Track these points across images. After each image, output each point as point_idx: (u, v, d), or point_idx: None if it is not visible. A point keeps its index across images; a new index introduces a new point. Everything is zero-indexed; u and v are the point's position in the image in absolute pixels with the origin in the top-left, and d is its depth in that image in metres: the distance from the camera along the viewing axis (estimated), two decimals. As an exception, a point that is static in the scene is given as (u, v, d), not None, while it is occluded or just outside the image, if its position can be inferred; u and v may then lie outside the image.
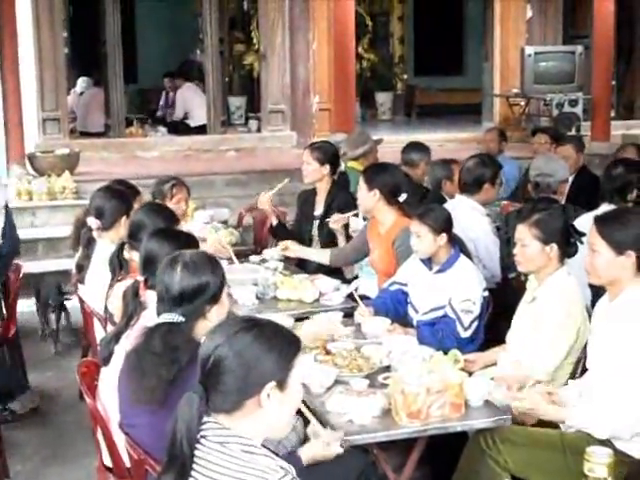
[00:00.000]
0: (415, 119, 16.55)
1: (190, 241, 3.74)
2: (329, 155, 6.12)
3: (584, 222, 4.64)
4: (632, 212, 3.83)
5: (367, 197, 5.20)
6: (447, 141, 12.00)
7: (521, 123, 12.54)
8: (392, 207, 5.19)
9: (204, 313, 3.17)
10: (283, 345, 2.45)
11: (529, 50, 12.15)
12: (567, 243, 4.09)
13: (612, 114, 13.65)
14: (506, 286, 5.51)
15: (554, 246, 4.06)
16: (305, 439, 3.57)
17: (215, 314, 3.16)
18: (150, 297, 3.43)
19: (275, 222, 6.29)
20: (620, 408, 3.46)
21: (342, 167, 6.64)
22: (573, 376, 4.04)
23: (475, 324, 4.58)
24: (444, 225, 4.62)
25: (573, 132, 11.20)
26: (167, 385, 2.95)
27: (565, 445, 3.51)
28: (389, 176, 5.26)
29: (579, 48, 12.28)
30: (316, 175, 6.08)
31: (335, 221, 5.80)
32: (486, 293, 4.73)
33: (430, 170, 6.80)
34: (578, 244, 4.10)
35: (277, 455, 2.57)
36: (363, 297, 4.94)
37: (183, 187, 6.04)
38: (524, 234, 4.11)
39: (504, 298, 5.09)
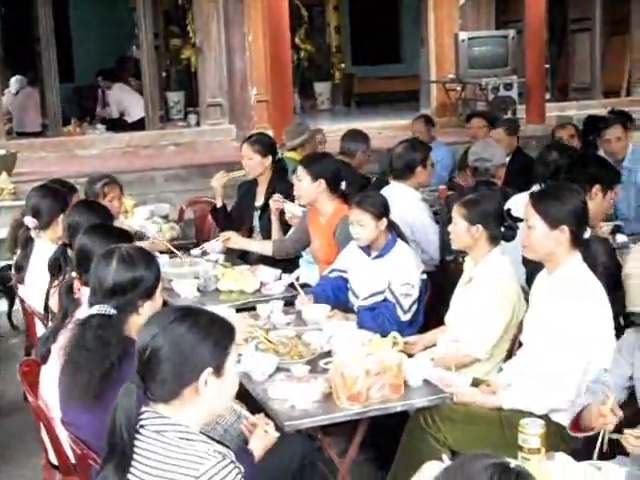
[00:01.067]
0: (354, 108, 16.62)
1: (124, 237, 3.74)
2: (268, 146, 6.16)
3: (516, 202, 4.76)
4: (566, 188, 3.91)
5: (311, 187, 5.21)
6: (385, 128, 12.07)
7: (458, 108, 12.66)
8: (334, 196, 5.24)
9: (137, 308, 3.17)
10: (218, 332, 2.51)
11: (463, 36, 12.26)
12: (497, 226, 4.17)
13: (547, 96, 13.87)
14: (444, 269, 5.59)
15: (479, 227, 4.14)
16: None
17: (148, 310, 3.15)
18: (85, 294, 3.43)
19: (220, 204, 6.30)
20: (558, 382, 3.56)
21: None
22: (510, 353, 4.14)
23: (414, 307, 4.66)
24: (383, 210, 4.68)
25: (509, 115, 11.32)
26: (100, 381, 2.96)
27: (503, 420, 3.60)
28: (331, 164, 5.32)
29: (511, 32, 12.43)
30: (260, 168, 6.11)
31: (275, 200, 5.83)
32: (424, 276, 4.81)
33: (384, 157, 6.87)
34: (515, 229, 4.18)
35: (225, 445, 2.62)
36: (304, 285, 5.00)
37: (115, 185, 6.01)
38: (455, 212, 4.21)
39: (443, 280, 5.19)
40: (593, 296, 3.63)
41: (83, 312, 3.30)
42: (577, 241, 3.72)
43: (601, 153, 7.05)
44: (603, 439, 2.91)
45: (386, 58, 18.01)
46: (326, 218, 5.25)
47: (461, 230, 4.19)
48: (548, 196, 3.79)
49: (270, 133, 8.67)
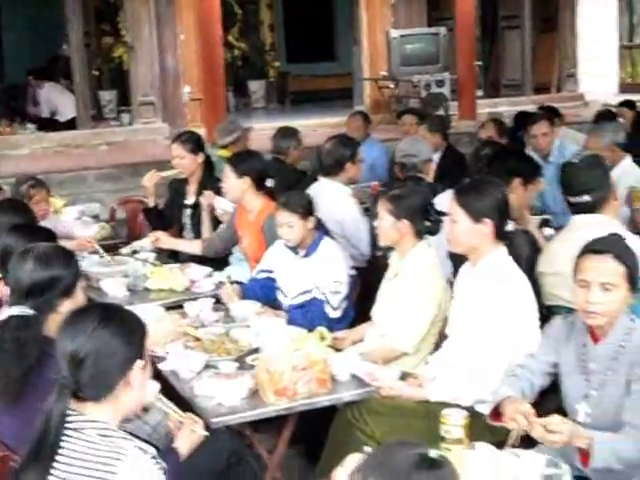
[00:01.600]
0: (289, 106, 16.64)
1: (47, 236, 3.70)
2: (197, 143, 6.15)
3: (444, 197, 4.80)
4: (489, 182, 3.96)
5: (236, 185, 5.23)
6: (319, 126, 12.09)
7: (391, 105, 12.72)
8: (260, 193, 5.25)
9: (56, 307, 3.14)
10: (136, 329, 2.59)
11: (394, 33, 12.33)
12: (423, 221, 4.20)
13: (480, 93, 14.04)
14: (375, 264, 5.62)
15: (405, 222, 4.16)
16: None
17: (68, 308, 3.10)
18: (8, 294, 3.39)
19: (152, 204, 6.27)
20: (483, 373, 3.60)
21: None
22: (437, 346, 4.17)
23: (344, 304, 4.69)
24: (310, 208, 4.69)
25: (441, 112, 11.44)
26: (18, 383, 2.93)
27: (429, 412, 3.62)
28: (257, 162, 5.33)
29: (442, 30, 12.52)
30: (193, 166, 6.08)
31: (206, 197, 5.82)
32: (353, 272, 4.84)
33: (313, 153, 6.92)
34: (440, 223, 4.21)
35: (152, 444, 2.63)
36: (235, 283, 5.00)
37: (41, 187, 5.99)
38: (381, 207, 4.23)
39: (374, 276, 5.22)
40: (516, 287, 3.68)
41: (3, 313, 3.26)
42: (500, 234, 3.77)
43: (528, 149, 7.18)
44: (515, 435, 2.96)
45: (320, 56, 18.04)
46: (254, 215, 5.26)
47: (387, 225, 4.21)
48: (470, 190, 3.84)
49: (203, 131, 8.68)
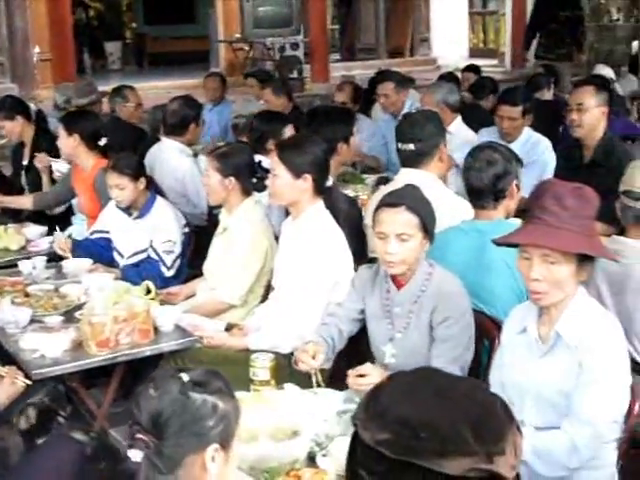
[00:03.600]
0: (147, 68, 16.48)
1: None
2: (14, 108, 6.15)
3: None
4: (309, 139, 4.11)
5: (67, 142, 5.31)
6: (175, 88, 12.01)
7: (246, 68, 12.77)
8: (92, 151, 5.32)
9: None
10: None
11: (247, -5, 12.38)
12: (249, 178, 4.35)
13: (338, 57, 14.24)
14: (213, 222, 5.74)
15: (232, 179, 4.30)
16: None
17: None
18: None
19: None
20: (301, 321, 3.78)
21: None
22: (265, 298, 4.34)
23: (178, 262, 4.80)
24: (140, 170, 4.78)
25: (295, 75, 11.58)
26: None
27: (249, 360, 3.79)
28: (87, 121, 5.40)
29: (295, -8, 12.64)
30: (15, 130, 6.16)
31: (39, 160, 5.87)
32: (187, 229, 4.95)
33: (150, 114, 6.98)
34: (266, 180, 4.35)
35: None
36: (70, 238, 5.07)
37: None
38: (208, 165, 4.38)
39: (210, 233, 5.34)
40: (331, 240, 3.85)
41: None
42: (319, 189, 3.94)
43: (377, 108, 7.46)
44: (317, 377, 3.15)
45: (180, 18, 17.86)
46: (87, 172, 5.35)
47: (214, 182, 4.33)
48: (291, 146, 3.99)
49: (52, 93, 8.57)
